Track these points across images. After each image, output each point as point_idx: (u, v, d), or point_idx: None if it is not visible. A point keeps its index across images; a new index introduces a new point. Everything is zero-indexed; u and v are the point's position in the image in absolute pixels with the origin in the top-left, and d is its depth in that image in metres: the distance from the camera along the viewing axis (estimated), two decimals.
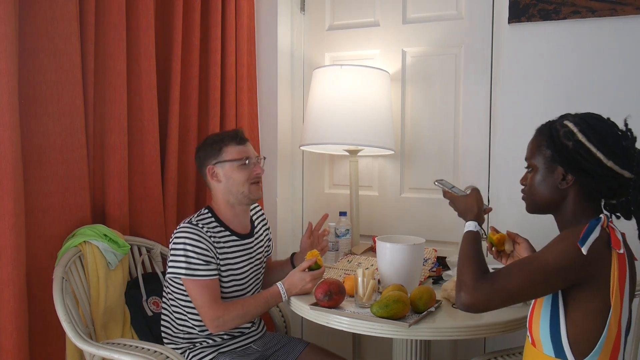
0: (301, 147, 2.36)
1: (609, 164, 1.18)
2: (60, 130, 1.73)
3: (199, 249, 1.65)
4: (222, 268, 1.72)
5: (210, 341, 1.73)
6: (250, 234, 1.84)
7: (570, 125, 1.23)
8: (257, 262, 1.85)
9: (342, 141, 2.21)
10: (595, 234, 1.13)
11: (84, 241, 1.74)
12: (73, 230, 1.78)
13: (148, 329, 1.86)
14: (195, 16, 2.18)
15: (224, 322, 1.65)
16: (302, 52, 2.67)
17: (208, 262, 1.66)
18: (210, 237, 1.69)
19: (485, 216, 1.50)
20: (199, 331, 1.73)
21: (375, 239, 1.82)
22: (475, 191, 1.44)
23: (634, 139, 1.23)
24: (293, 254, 1.98)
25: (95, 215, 1.88)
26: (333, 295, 1.60)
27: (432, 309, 1.59)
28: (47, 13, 1.67)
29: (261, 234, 1.91)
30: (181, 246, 1.65)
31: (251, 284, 1.82)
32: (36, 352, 1.68)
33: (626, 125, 1.24)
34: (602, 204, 1.27)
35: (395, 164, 2.49)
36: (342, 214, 2.30)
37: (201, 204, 2.29)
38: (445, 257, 2.06)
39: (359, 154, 2.34)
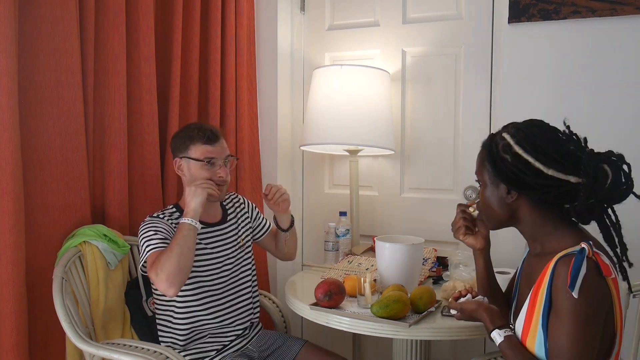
0: (301, 147, 2.37)
1: (550, 172, 1.14)
2: (60, 130, 1.72)
3: (157, 227, 1.67)
4: (203, 258, 1.74)
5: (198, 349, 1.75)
6: (222, 221, 1.85)
7: (508, 137, 1.20)
8: (232, 247, 1.85)
9: (342, 141, 2.21)
10: (583, 270, 1.08)
11: (84, 241, 1.74)
12: (73, 230, 1.77)
13: (148, 329, 1.86)
14: (195, 16, 2.18)
15: (162, 269, 1.55)
16: (302, 52, 2.67)
17: (165, 238, 1.66)
18: (170, 223, 1.72)
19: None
20: (182, 344, 1.74)
21: (375, 239, 1.82)
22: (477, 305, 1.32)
23: (579, 141, 1.19)
24: (274, 217, 1.99)
25: (95, 215, 1.88)
26: (333, 295, 1.60)
27: (432, 309, 1.59)
28: (47, 13, 1.67)
29: (238, 220, 1.91)
30: (141, 234, 1.68)
31: (229, 269, 1.82)
32: (36, 352, 1.68)
33: (568, 127, 1.21)
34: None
35: (395, 164, 2.49)
36: (342, 214, 2.30)
37: None
38: (446, 257, 2.06)
39: (359, 154, 2.34)
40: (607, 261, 1.14)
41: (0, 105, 1.51)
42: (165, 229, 1.69)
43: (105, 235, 1.78)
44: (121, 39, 1.88)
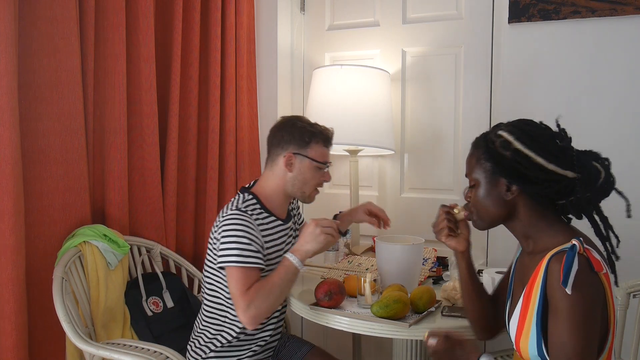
0: None
1: (551, 167, 1.16)
2: (60, 130, 1.73)
3: (251, 235, 1.55)
4: (272, 255, 1.64)
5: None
6: (287, 219, 1.77)
7: (505, 134, 1.20)
8: (291, 245, 1.76)
9: (342, 141, 2.21)
10: (575, 267, 1.08)
11: (84, 241, 1.74)
12: (73, 230, 1.78)
13: (148, 329, 1.86)
14: (195, 16, 2.18)
15: (256, 307, 1.49)
16: (302, 52, 2.67)
17: (258, 250, 1.56)
18: (258, 224, 1.60)
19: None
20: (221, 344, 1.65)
21: (375, 239, 1.82)
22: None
23: (570, 139, 1.21)
24: (336, 215, 1.89)
25: (95, 215, 1.88)
26: (333, 295, 1.60)
27: (432, 309, 1.59)
28: (47, 13, 1.67)
29: (294, 217, 1.84)
30: (234, 232, 1.54)
31: None
32: (36, 352, 1.68)
33: (558, 125, 1.23)
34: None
35: (395, 164, 2.49)
36: None
37: (201, 203, 2.29)
38: (446, 257, 2.06)
39: (359, 154, 2.34)
40: (598, 257, 1.14)
41: (0, 105, 1.51)
42: (257, 236, 1.57)
43: (105, 235, 1.78)
44: (121, 39, 1.88)
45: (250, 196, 1.67)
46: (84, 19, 1.79)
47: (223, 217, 1.60)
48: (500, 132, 1.22)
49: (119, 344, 1.63)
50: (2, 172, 1.53)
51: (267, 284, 1.53)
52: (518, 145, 1.18)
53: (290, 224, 1.77)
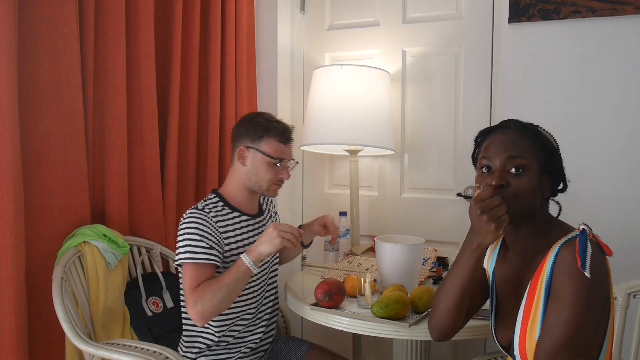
0: (301, 147, 2.36)
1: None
2: (60, 130, 1.72)
3: (203, 232, 1.58)
4: (237, 250, 1.65)
5: None
6: (259, 214, 1.79)
7: (547, 134, 1.24)
8: None
9: (342, 141, 2.21)
10: (589, 250, 1.08)
11: (84, 241, 1.74)
12: (73, 230, 1.77)
13: (148, 329, 1.86)
14: (195, 16, 2.18)
15: (202, 304, 1.50)
16: (302, 52, 2.67)
17: (211, 247, 1.58)
18: (216, 222, 1.62)
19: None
20: (210, 343, 1.67)
21: (375, 239, 1.82)
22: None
23: None
24: (301, 225, 1.88)
25: (94, 215, 1.88)
26: (333, 295, 1.60)
27: None
28: (46, 13, 1.67)
29: (269, 214, 1.86)
30: (186, 230, 1.58)
31: (267, 261, 1.76)
32: (36, 352, 1.67)
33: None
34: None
35: (395, 164, 2.49)
36: (342, 214, 2.30)
37: None
38: (446, 257, 2.06)
39: (359, 154, 2.34)
40: (603, 241, 1.15)
41: (1, 105, 1.51)
42: (211, 233, 1.59)
43: (105, 235, 1.78)
44: (121, 39, 1.88)
45: (213, 195, 1.72)
46: (84, 19, 1.79)
47: (182, 218, 1.64)
48: (542, 130, 1.24)
49: (118, 344, 1.62)
50: (2, 172, 1.53)
51: (216, 282, 1.54)
52: (557, 146, 1.23)
53: (261, 218, 1.79)
